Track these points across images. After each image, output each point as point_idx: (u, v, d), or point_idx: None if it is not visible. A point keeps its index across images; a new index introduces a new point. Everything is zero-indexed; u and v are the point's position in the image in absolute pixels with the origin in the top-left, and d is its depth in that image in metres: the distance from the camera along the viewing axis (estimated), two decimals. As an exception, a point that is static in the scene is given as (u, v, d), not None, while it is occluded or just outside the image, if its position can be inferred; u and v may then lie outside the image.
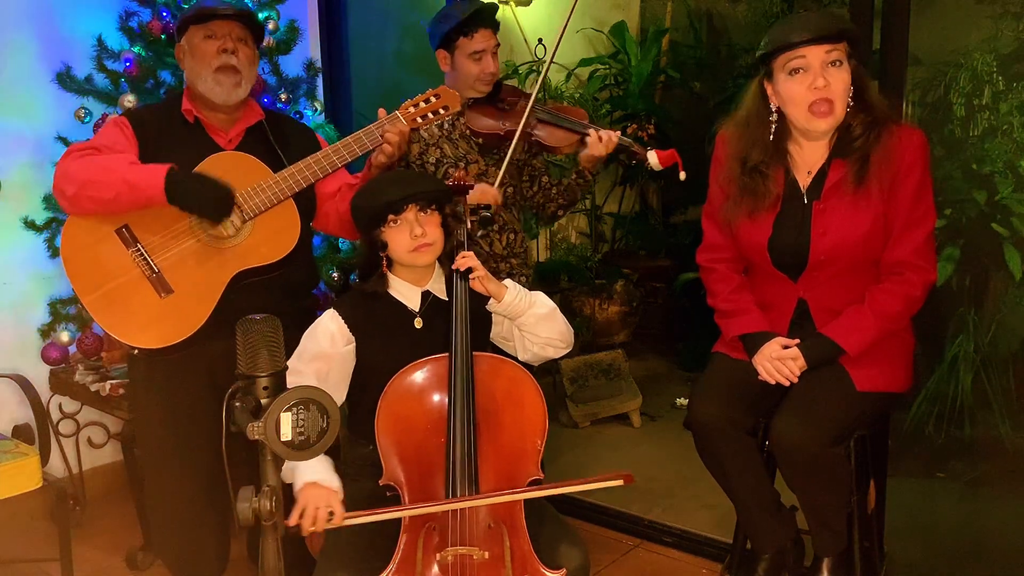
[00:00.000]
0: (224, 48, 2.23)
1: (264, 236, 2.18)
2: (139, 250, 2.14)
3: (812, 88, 1.94)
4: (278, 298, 2.17)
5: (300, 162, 2.20)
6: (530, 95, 2.55)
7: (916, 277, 1.99)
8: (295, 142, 2.34)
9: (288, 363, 1.93)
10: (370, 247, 2.01)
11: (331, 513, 1.75)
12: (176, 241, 2.15)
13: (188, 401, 2.24)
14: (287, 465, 1.85)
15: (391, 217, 1.96)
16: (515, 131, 2.48)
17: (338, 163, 2.22)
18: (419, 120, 2.27)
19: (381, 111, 2.26)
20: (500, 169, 2.52)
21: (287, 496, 1.54)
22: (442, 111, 2.28)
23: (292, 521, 1.75)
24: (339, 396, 2.01)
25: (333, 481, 1.81)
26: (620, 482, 1.78)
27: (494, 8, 2.61)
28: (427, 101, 2.27)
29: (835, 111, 1.96)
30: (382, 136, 2.22)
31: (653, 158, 2.38)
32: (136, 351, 2.20)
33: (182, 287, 2.14)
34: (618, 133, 2.47)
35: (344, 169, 2.34)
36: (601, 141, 2.44)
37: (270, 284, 2.20)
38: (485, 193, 2.39)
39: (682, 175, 2.37)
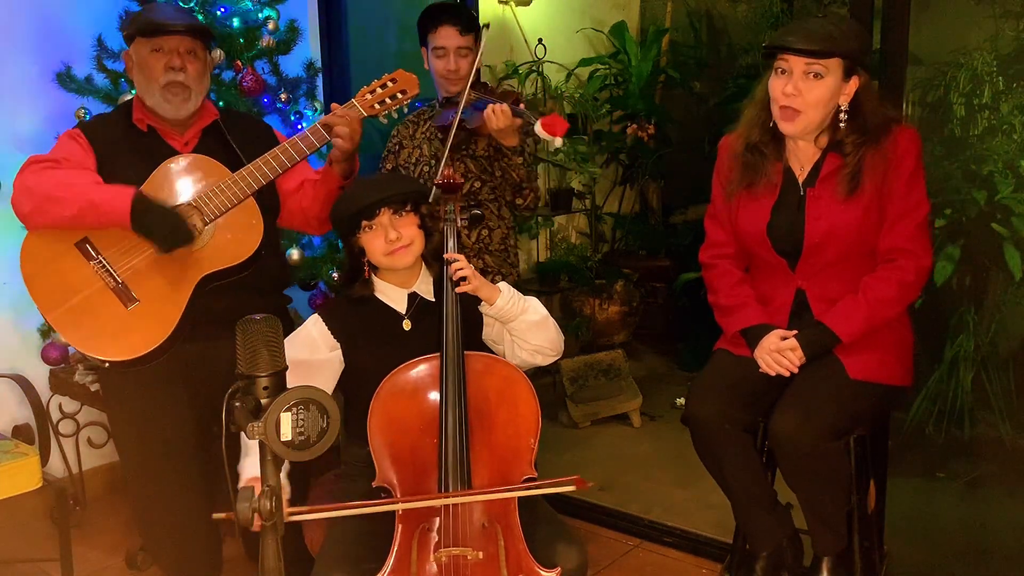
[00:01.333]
0: (171, 65, 2.18)
1: (227, 238, 2.14)
2: (101, 262, 2.10)
3: (783, 93, 1.99)
4: (247, 297, 2.14)
5: (258, 159, 2.16)
6: (478, 85, 2.53)
7: (909, 263, 2.02)
8: (252, 138, 2.31)
9: None
10: (350, 253, 2.02)
11: None
12: (138, 250, 2.11)
13: (166, 407, 2.22)
14: (241, 460, 1.85)
15: (365, 223, 1.96)
16: (456, 119, 2.47)
17: (296, 157, 2.18)
18: (376, 107, 2.23)
19: (334, 105, 2.22)
20: (466, 161, 2.56)
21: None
22: (400, 95, 2.23)
23: (254, 525, 1.74)
24: None
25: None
26: (572, 488, 1.77)
27: (464, 9, 2.59)
28: (384, 86, 2.23)
29: (801, 119, 1.99)
30: (332, 129, 2.18)
31: (539, 128, 2.26)
32: (107, 364, 2.15)
33: (147, 296, 2.11)
34: (520, 105, 2.38)
35: (307, 164, 2.31)
36: (494, 114, 2.34)
37: (238, 285, 2.17)
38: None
39: (557, 142, 2.24)
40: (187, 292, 2.11)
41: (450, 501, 1.82)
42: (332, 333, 1.99)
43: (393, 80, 2.24)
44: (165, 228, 2.05)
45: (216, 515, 1.76)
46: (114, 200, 2.04)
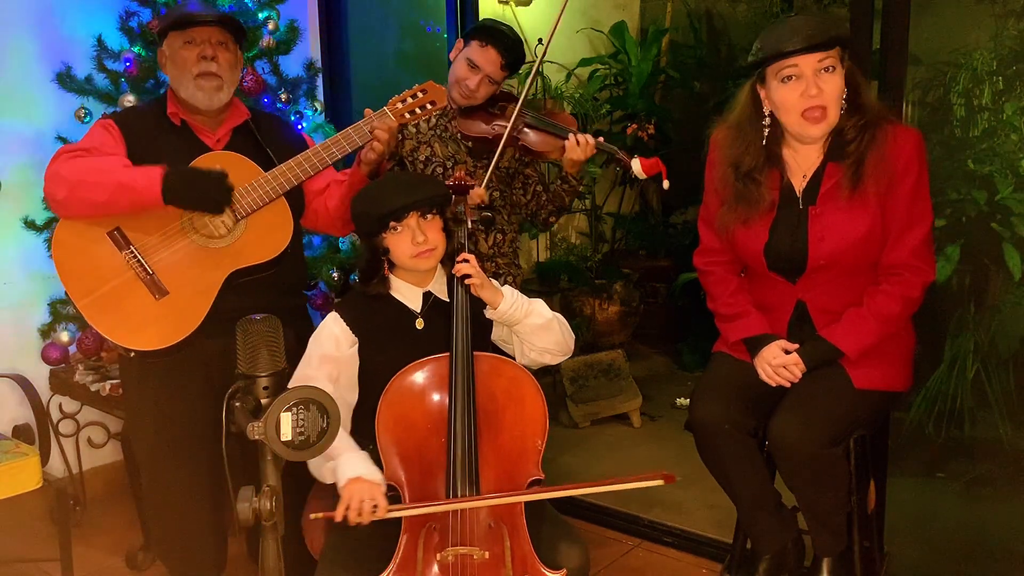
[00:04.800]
0: (203, 55, 2.21)
1: (257, 235, 2.17)
2: (132, 252, 2.13)
3: (805, 96, 1.93)
4: (271, 297, 2.17)
5: (291, 160, 2.19)
6: (519, 99, 2.55)
7: (915, 278, 1.99)
8: (281, 140, 2.34)
9: (297, 372, 1.95)
10: (371, 252, 2.01)
11: (375, 506, 1.77)
12: (169, 242, 2.14)
13: (184, 402, 2.23)
14: (324, 465, 1.87)
15: (392, 224, 1.96)
16: (502, 135, 2.49)
17: (328, 160, 2.22)
18: (407, 116, 2.27)
19: (368, 111, 2.25)
20: (487, 171, 2.53)
21: (288, 496, 1.54)
22: (429, 106, 2.28)
23: (338, 516, 1.76)
24: (352, 397, 2.01)
25: (376, 474, 1.83)
26: (660, 482, 1.74)
27: (520, 52, 2.58)
28: (414, 96, 2.28)
29: (828, 116, 1.96)
30: (372, 133, 2.22)
31: (636, 166, 2.35)
32: (132, 354, 2.18)
33: (177, 288, 2.13)
34: (600, 139, 2.44)
35: (331, 166, 2.33)
36: (579, 145, 2.40)
37: (263, 283, 2.19)
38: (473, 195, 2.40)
39: (665, 184, 2.35)
40: (216, 286, 2.13)
41: (523, 498, 1.83)
42: (351, 329, 2.00)
43: (423, 91, 2.28)
44: (199, 187, 2.07)
45: (314, 515, 1.81)
46: (144, 178, 2.06)
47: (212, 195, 2.08)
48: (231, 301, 2.13)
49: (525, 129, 2.52)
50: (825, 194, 2.01)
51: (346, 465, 1.82)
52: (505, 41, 2.54)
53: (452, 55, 2.64)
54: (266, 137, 2.31)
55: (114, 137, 2.22)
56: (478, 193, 2.34)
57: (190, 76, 2.21)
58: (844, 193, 1.98)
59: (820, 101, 1.93)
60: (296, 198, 2.29)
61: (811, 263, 2.02)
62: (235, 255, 2.15)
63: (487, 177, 2.49)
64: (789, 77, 1.95)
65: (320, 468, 1.90)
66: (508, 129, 2.47)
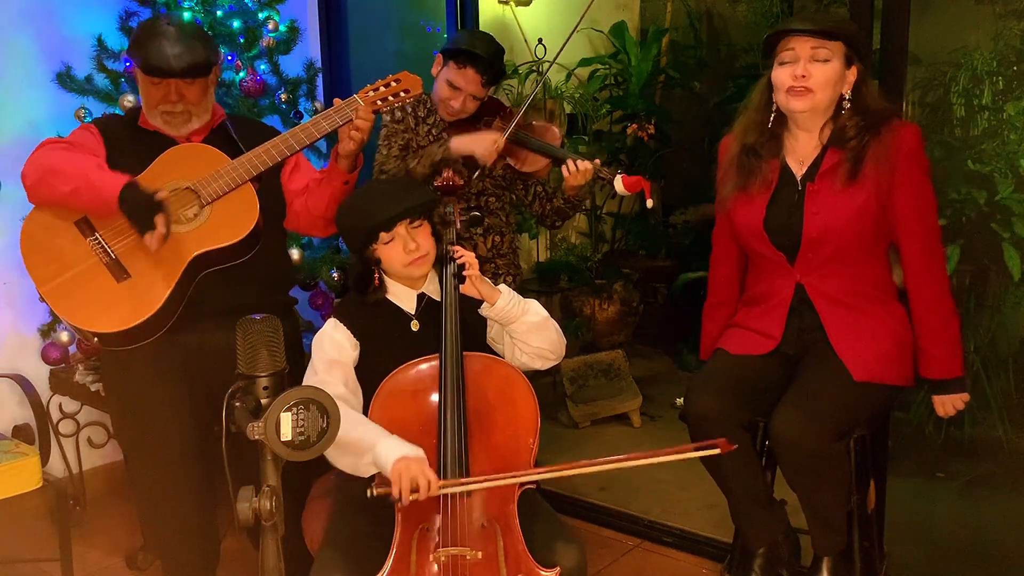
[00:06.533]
0: (168, 99, 2.21)
1: (221, 219, 2.16)
2: (97, 239, 2.13)
3: (793, 76, 2.02)
4: (251, 291, 2.17)
5: (256, 148, 2.18)
6: (510, 112, 2.55)
7: (940, 264, 2.09)
8: (258, 139, 2.30)
9: (306, 382, 1.94)
10: (363, 264, 2.01)
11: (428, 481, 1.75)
12: (134, 229, 2.12)
13: (164, 400, 2.23)
14: (361, 461, 1.84)
15: (382, 235, 1.96)
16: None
17: (296, 146, 2.20)
18: (379, 103, 2.24)
19: (336, 100, 2.23)
20: (482, 175, 2.57)
21: (288, 496, 1.54)
22: (403, 94, 2.26)
23: (395, 494, 1.74)
24: (359, 400, 2.00)
25: (417, 450, 1.81)
26: (717, 451, 1.80)
27: (498, 63, 2.59)
28: (387, 85, 2.25)
29: (812, 97, 2.03)
30: (352, 118, 2.19)
31: (619, 184, 2.37)
32: (95, 339, 2.16)
33: (139, 271, 2.12)
34: (597, 162, 2.45)
35: (311, 165, 2.33)
36: (579, 171, 2.43)
37: (236, 275, 2.18)
38: (481, 142, 2.43)
39: (649, 203, 2.39)
40: (178, 269, 2.13)
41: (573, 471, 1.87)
42: (352, 333, 2.00)
43: (396, 80, 2.26)
44: (136, 211, 2.06)
45: (372, 491, 1.78)
46: (109, 183, 2.07)
47: (140, 223, 2.05)
48: (204, 294, 2.13)
49: (511, 146, 2.53)
50: (823, 174, 2.08)
51: (387, 450, 1.79)
52: (482, 61, 2.54)
53: (434, 71, 2.64)
54: (242, 135, 2.30)
55: (95, 138, 2.24)
56: (489, 141, 2.37)
57: (157, 112, 2.23)
58: (842, 177, 2.05)
59: (804, 83, 2.02)
60: (275, 200, 2.30)
61: (805, 237, 2.07)
62: (199, 238, 2.14)
63: (476, 177, 2.49)
64: (786, 61, 2.05)
65: (358, 465, 1.86)
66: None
